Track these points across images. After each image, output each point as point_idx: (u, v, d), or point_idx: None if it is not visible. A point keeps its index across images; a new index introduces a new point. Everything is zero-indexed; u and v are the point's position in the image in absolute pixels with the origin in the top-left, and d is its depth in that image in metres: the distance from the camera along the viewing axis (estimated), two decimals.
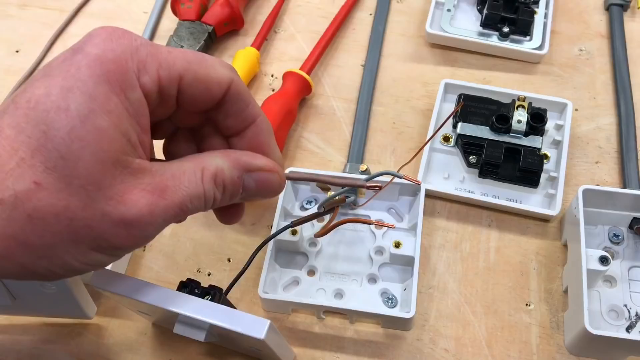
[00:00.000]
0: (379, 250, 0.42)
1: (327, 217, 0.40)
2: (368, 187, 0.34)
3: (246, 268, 0.38)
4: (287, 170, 0.43)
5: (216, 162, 0.27)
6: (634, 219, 0.41)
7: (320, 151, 0.48)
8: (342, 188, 0.41)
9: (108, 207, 0.23)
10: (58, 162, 0.22)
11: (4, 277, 0.24)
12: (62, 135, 0.22)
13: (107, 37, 0.24)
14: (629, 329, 0.38)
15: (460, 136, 0.46)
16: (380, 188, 0.34)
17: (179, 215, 0.26)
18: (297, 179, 0.33)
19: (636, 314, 0.39)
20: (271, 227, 0.42)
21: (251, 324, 0.29)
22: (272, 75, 0.54)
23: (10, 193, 0.22)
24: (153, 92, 0.25)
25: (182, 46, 0.52)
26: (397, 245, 0.41)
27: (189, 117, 0.29)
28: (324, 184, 0.36)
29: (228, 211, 0.32)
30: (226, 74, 0.27)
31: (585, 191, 0.40)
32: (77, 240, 0.23)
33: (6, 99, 0.52)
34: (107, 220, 0.23)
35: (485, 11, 0.53)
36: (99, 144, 0.22)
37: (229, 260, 0.43)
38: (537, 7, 0.54)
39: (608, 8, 0.56)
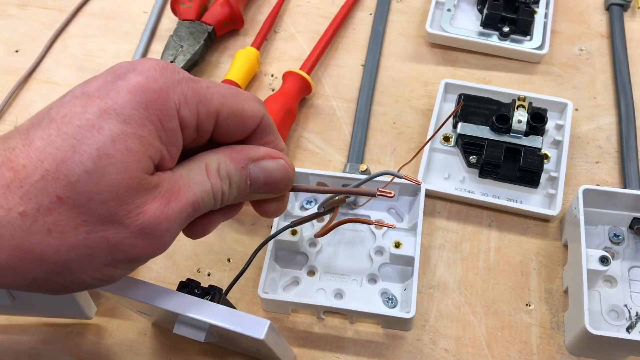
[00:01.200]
0: (379, 250, 0.42)
1: (327, 217, 0.40)
2: (379, 195, 0.34)
3: (246, 268, 0.38)
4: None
5: (217, 155, 0.27)
6: (634, 219, 0.41)
7: (320, 151, 0.48)
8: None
9: (127, 220, 0.23)
10: (82, 176, 0.22)
11: (12, 289, 0.24)
12: (90, 151, 0.22)
13: (151, 67, 0.24)
14: (629, 329, 0.38)
15: (460, 136, 0.45)
16: (393, 195, 0.33)
17: (192, 215, 0.26)
18: (303, 190, 0.33)
19: (636, 314, 0.39)
20: (271, 227, 0.42)
21: (251, 324, 0.29)
22: (272, 75, 0.54)
23: (33, 206, 0.22)
24: (191, 127, 0.25)
25: (182, 46, 0.52)
26: (397, 245, 0.41)
27: (214, 147, 0.29)
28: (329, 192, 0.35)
29: (197, 221, 0.28)
30: (259, 108, 0.28)
31: (585, 191, 0.40)
32: (92, 255, 0.23)
33: (6, 98, 0.52)
34: (124, 231, 0.23)
35: (485, 11, 0.53)
36: (126, 164, 0.23)
37: (228, 260, 0.43)
38: (537, 7, 0.54)
39: (608, 8, 0.56)
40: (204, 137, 0.27)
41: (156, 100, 0.24)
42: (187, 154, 0.29)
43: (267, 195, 0.30)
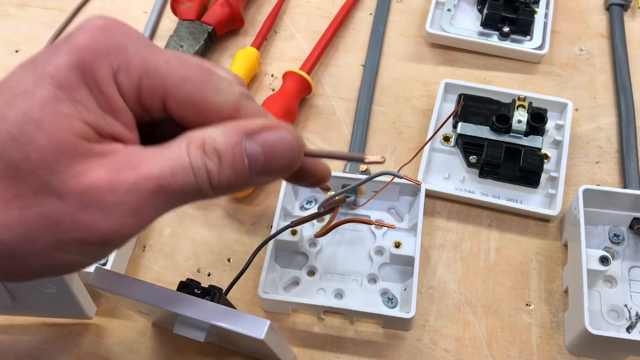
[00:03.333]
0: (379, 250, 0.42)
1: (327, 217, 0.40)
2: (366, 162, 0.32)
3: (246, 268, 0.38)
4: None
5: (204, 130, 0.23)
6: (635, 219, 0.41)
7: None
8: (342, 188, 0.41)
9: (63, 190, 0.20)
10: (8, 143, 0.20)
11: None
12: (15, 117, 0.20)
13: (96, 27, 0.23)
14: (629, 329, 0.38)
15: (460, 136, 0.45)
16: (383, 160, 0.31)
17: (159, 193, 0.22)
18: (317, 155, 0.30)
19: (636, 314, 0.39)
20: (271, 227, 0.42)
21: (251, 324, 0.29)
22: (272, 75, 0.54)
23: None
24: (131, 98, 0.23)
25: (182, 46, 0.52)
26: (397, 245, 0.41)
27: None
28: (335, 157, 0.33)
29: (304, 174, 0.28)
30: (228, 103, 0.24)
31: (585, 191, 0.40)
32: (32, 235, 0.21)
33: None
34: (61, 204, 0.20)
35: (485, 11, 0.53)
36: (56, 127, 0.20)
37: (229, 260, 0.43)
38: (538, 7, 0.54)
39: (608, 8, 0.56)
40: (154, 116, 0.24)
41: (92, 62, 0.21)
42: (162, 125, 0.26)
43: (274, 176, 0.25)
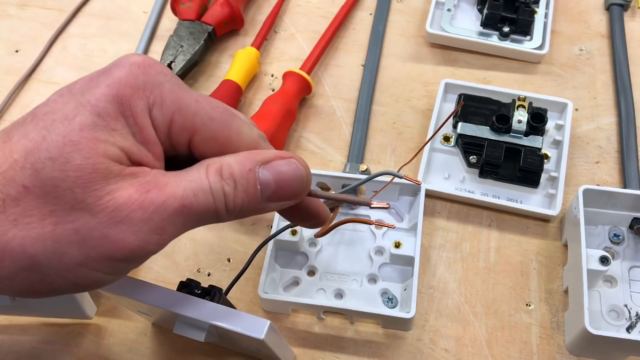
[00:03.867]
0: (379, 250, 0.42)
1: None
2: (373, 207, 0.33)
3: (246, 268, 0.38)
4: None
5: (222, 158, 0.25)
6: (635, 219, 0.41)
7: (320, 151, 0.48)
8: (342, 188, 0.41)
9: (96, 207, 0.22)
10: (47, 163, 0.21)
11: None
12: (56, 138, 0.22)
13: (134, 63, 0.24)
14: (629, 329, 0.38)
15: (460, 136, 0.45)
16: (388, 206, 0.33)
17: (183, 213, 0.23)
18: (320, 196, 0.31)
19: (636, 314, 0.39)
20: (271, 227, 0.42)
21: (251, 324, 0.29)
22: (272, 75, 0.54)
23: (1, 196, 0.21)
24: (162, 132, 0.24)
25: (182, 46, 0.52)
26: (397, 245, 0.41)
27: None
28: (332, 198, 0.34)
29: (302, 213, 0.30)
30: (249, 142, 0.26)
31: (585, 191, 0.40)
32: (61, 251, 0.22)
33: (6, 98, 0.52)
34: (93, 220, 0.22)
35: (485, 11, 0.53)
36: (92, 150, 0.22)
37: (229, 260, 0.43)
38: (538, 7, 0.54)
39: (608, 8, 0.56)
40: (178, 151, 0.25)
41: (131, 96, 0.23)
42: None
43: (283, 203, 0.27)
